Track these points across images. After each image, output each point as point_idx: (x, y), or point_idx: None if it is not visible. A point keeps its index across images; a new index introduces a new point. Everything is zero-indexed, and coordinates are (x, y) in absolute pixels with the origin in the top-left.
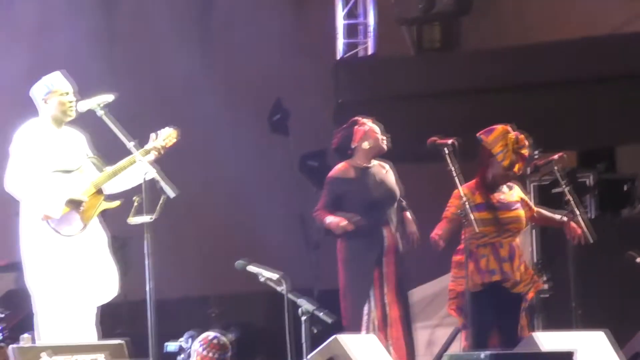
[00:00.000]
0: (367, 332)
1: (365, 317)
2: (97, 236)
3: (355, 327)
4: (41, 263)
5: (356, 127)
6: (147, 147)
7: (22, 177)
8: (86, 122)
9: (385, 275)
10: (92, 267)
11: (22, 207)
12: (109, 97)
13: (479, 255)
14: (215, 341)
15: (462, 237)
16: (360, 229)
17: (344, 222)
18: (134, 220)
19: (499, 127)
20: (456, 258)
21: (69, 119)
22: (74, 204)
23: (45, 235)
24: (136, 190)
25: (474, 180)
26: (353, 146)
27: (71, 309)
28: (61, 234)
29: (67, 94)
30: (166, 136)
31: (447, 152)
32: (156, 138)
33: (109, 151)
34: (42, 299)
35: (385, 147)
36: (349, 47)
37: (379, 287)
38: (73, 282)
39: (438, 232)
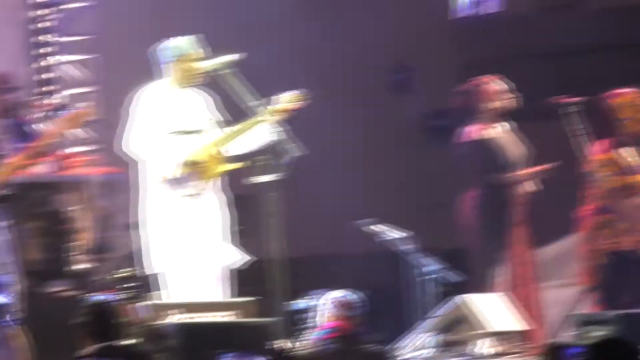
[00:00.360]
0: (503, 291)
1: (497, 277)
2: (220, 197)
3: (486, 287)
4: (163, 223)
5: (483, 86)
6: (272, 108)
7: (141, 138)
8: (212, 83)
9: (518, 235)
10: (216, 229)
11: (142, 167)
12: (234, 57)
13: (614, 218)
14: (343, 299)
15: (589, 196)
16: (496, 188)
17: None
18: (260, 179)
19: (629, 93)
20: (590, 218)
21: (195, 83)
22: (192, 165)
23: (165, 195)
24: (262, 150)
25: (602, 140)
26: (480, 106)
27: (195, 269)
28: (180, 195)
29: (197, 60)
30: (292, 98)
31: (572, 111)
32: (282, 100)
33: (233, 112)
34: (166, 258)
35: (513, 105)
36: (473, 4)
37: (511, 246)
38: (196, 242)
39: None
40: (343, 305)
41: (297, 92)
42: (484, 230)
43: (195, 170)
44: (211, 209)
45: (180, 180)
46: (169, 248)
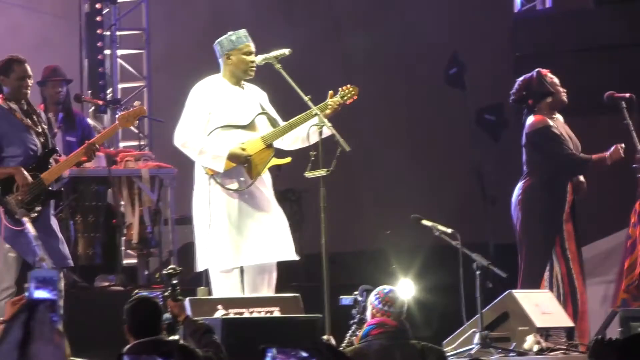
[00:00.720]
0: (550, 287)
1: (547, 273)
2: (269, 191)
3: (534, 283)
4: (213, 217)
5: (543, 78)
6: (325, 102)
7: (189, 132)
8: (262, 78)
9: (567, 231)
10: (265, 223)
11: (196, 162)
12: (286, 51)
13: None
14: (390, 295)
15: None
16: (549, 182)
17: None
18: (311, 174)
19: None
20: None
21: (249, 77)
22: (237, 158)
23: (214, 189)
24: (313, 145)
25: None
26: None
27: (243, 263)
28: (226, 188)
29: (251, 53)
30: (345, 93)
31: (624, 106)
32: (334, 95)
33: (283, 107)
34: (215, 253)
35: (565, 100)
36: (527, 0)
37: (559, 243)
38: (244, 237)
39: None
40: (388, 301)
41: (351, 87)
42: (535, 224)
43: (239, 164)
44: (260, 203)
45: (230, 174)
46: (219, 243)
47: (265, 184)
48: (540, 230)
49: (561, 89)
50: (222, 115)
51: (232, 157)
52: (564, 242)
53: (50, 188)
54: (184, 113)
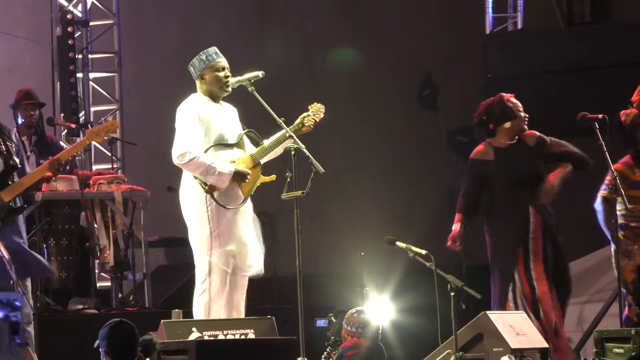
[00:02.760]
0: (516, 307)
1: (511, 294)
2: (251, 210)
3: (501, 304)
4: (207, 234)
5: (502, 102)
6: (298, 122)
7: (193, 149)
8: (233, 97)
9: (533, 251)
10: (249, 240)
11: (185, 181)
12: (259, 74)
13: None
14: (362, 317)
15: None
16: (505, 209)
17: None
18: (287, 196)
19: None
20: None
21: (225, 94)
22: (240, 177)
23: (212, 207)
24: (289, 166)
25: (627, 157)
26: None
27: (233, 279)
28: (225, 207)
29: (224, 68)
30: (315, 111)
31: (597, 127)
32: (307, 113)
33: (254, 126)
34: (210, 268)
35: (525, 126)
36: (498, 21)
37: (523, 263)
38: (235, 254)
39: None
40: (360, 323)
41: (319, 104)
42: (497, 246)
43: (239, 181)
44: (248, 219)
45: (226, 192)
46: (213, 259)
47: (248, 202)
48: (501, 252)
49: (522, 114)
50: (211, 133)
51: (236, 175)
52: (528, 262)
53: (10, 204)
54: (180, 130)
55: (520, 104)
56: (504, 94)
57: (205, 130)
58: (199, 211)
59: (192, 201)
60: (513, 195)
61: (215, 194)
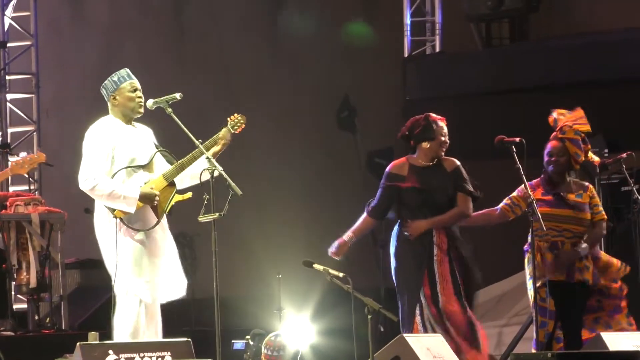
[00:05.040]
0: (424, 330)
1: (418, 317)
2: (168, 230)
3: (409, 326)
4: (122, 259)
5: (423, 123)
6: (216, 136)
7: (96, 176)
8: (149, 118)
9: (439, 273)
10: (167, 262)
11: (97, 204)
12: (177, 95)
13: (543, 251)
14: (279, 340)
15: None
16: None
17: (332, 249)
18: (203, 218)
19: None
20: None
21: (138, 115)
22: (148, 199)
23: (122, 231)
24: (206, 188)
25: (539, 178)
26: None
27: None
28: (135, 229)
29: (135, 90)
30: (235, 123)
31: (514, 150)
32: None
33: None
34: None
35: (442, 152)
36: (417, 44)
37: (429, 285)
38: (151, 277)
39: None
40: (277, 346)
41: (237, 115)
42: (401, 270)
43: (148, 203)
44: (164, 242)
45: (137, 215)
46: (127, 283)
47: (164, 223)
48: (405, 276)
49: (443, 139)
50: (122, 155)
51: (143, 198)
52: (435, 285)
53: None
54: (85, 155)
55: (445, 129)
56: (433, 114)
57: (115, 153)
58: (111, 236)
59: (104, 225)
60: (419, 216)
61: (126, 218)
